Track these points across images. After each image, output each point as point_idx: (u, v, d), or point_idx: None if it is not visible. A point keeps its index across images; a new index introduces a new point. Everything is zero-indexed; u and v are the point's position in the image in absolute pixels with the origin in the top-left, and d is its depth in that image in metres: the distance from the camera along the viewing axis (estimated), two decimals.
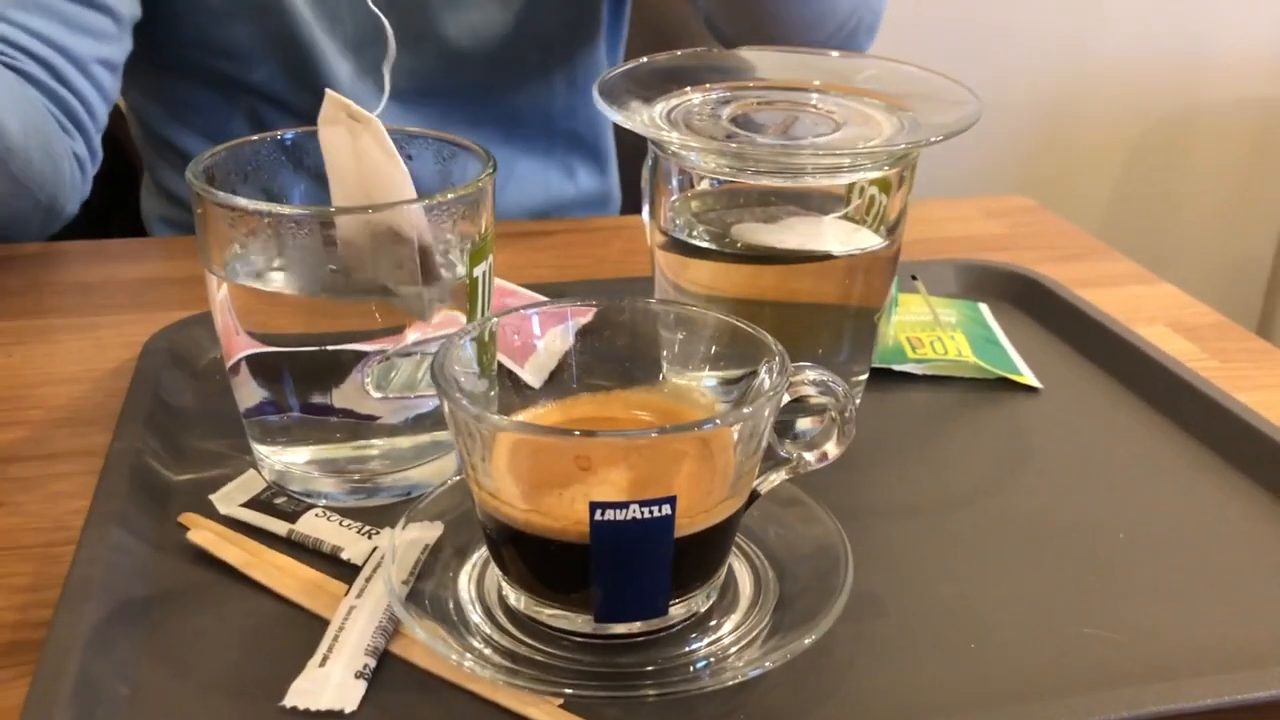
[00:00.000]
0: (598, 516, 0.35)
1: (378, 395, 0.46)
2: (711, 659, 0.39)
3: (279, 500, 0.48)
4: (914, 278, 0.63)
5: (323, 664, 0.39)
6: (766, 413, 0.38)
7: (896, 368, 0.60)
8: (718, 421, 0.38)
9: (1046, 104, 1.74)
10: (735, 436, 0.38)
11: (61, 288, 0.69)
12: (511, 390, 0.45)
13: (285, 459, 0.48)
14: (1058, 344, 0.65)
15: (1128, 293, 0.72)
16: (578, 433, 0.36)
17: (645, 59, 0.55)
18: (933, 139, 0.47)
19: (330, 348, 0.45)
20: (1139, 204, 1.85)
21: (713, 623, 0.41)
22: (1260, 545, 0.48)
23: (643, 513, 0.35)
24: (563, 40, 0.92)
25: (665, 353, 0.44)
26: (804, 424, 0.52)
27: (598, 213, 0.99)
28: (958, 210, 0.85)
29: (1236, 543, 0.48)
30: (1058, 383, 0.60)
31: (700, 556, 0.39)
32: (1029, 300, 0.68)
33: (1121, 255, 0.78)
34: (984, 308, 0.67)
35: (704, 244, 0.51)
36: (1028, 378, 0.60)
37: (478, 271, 0.47)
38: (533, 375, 0.48)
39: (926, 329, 0.63)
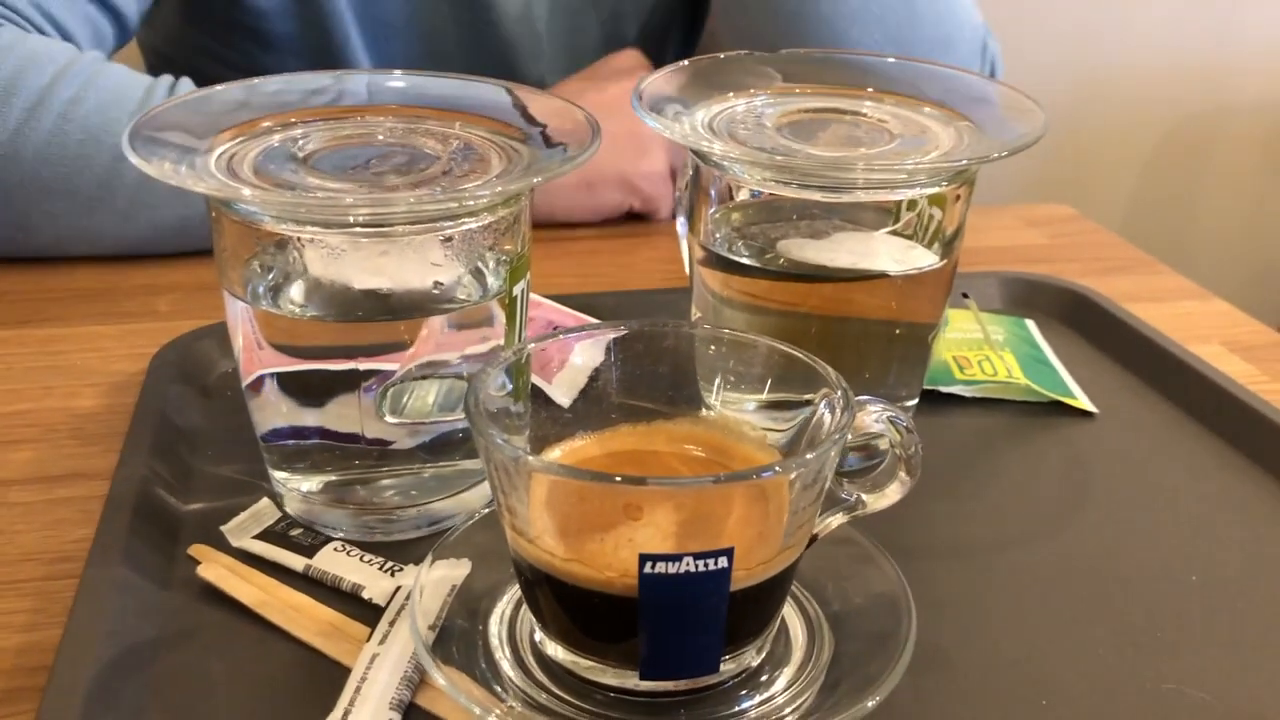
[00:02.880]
0: (648, 569, 0.32)
1: (392, 420, 0.43)
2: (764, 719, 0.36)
3: (295, 532, 0.45)
4: (965, 295, 0.60)
5: (344, 718, 0.36)
6: (831, 456, 0.35)
7: (944, 389, 0.57)
8: (778, 470, 0.35)
9: (1067, 104, 1.70)
10: (797, 483, 0.35)
11: (64, 294, 0.66)
12: (543, 411, 0.42)
13: (305, 486, 0.45)
14: (1110, 364, 0.61)
15: (1179, 309, 0.69)
16: (619, 479, 0.33)
17: (686, 62, 0.52)
18: (996, 155, 0.44)
19: (364, 366, 0.42)
20: (1159, 206, 1.81)
21: (764, 678, 0.38)
22: None
23: (697, 566, 0.32)
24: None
25: (714, 380, 0.41)
26: (853, 455, 0.49)
27: None
28: (996, 219, 0.82)
29: None
30: (1113, 407, 0.57)
31: (755, 610, 0.36)
32: (1078, 317, 0.65)
33: (1169, 269, 0.75)
34: (1031, 324, 0.64)
35: (747, 260, 0.48)
36: (1082, 401, 0.57)
37: (517, 290, 0.43)
38: (562, 393, 0.45)
39: (974, 348, 0.60)
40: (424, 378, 0.43)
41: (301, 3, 0.84)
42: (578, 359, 0.45)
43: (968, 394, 0.57)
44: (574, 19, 0.91)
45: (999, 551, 0.46)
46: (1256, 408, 0.54)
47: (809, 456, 0.34)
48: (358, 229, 0.40)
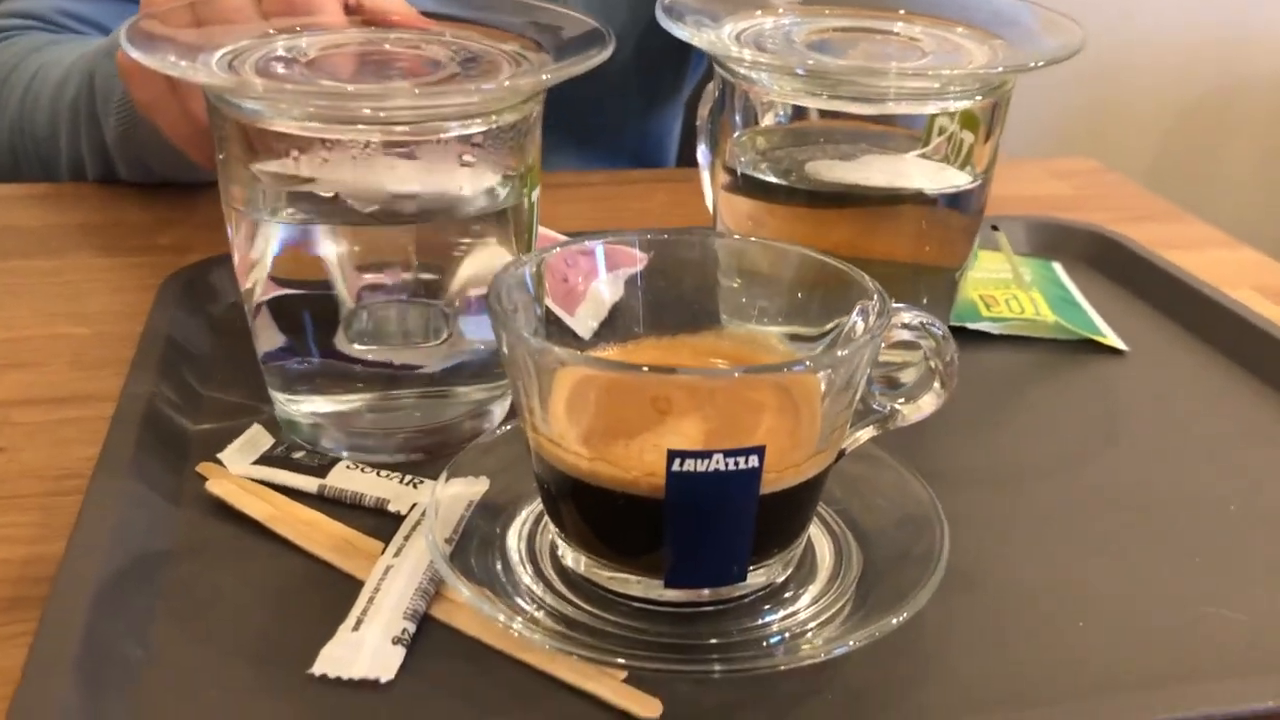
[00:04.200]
0: (675, 467, 0.31)
1: (358, 348, 0.42)
2: (787, 634, 0.35)
3: (298, 455, 0.43)
4: (995, 228, 0.59)
5: (356, 628, 0.35)
6: (865, 358, 0.33)
7: (970, 326, 0.56)
8: (808, 364, 0.33)
9: (1086, 79, 1.68)
10: (824, 385, 0.33)
11: (72, 229, 0.65)
12: (559, 337, 0.40)
13: (310, 408, 0.44)
14: (1140, 305, 0.60)
15: (1209, 256, 0.67)
16: (645, 369, 0.31)
17: None
18: (1033, 64, 0.43)
19: (369, 279, 0.41)
20: (1178, 179, 1.80)
21: (788, 594, 0.37)
22: None
23: (727, 464, 0.31)
24: (656, 66, 0.87)
25: (740, 296, 0.40)
26: (877, 384, 0.47)
27: None
28: (1022, 170, 0.80)
29: None
30: (1144, 345, 0.55)
31: (784, 518, 0.35)
32: (1106, 260, 0.64)
33: (1196, 218, 0.74)
34: (1058, 267, 0.63)
35: (775, 181, 0.47)
36: (1112, 339, 0.56)
37: (532, 198, 0.42)
38: (582, 324, 0.44)
39: (1001, 287, 0.59)
40: (400, 301, 0.42)
41: None
42: (602, 290, 0.44)
43: (995, 331, 0.56)
44: None
45: (1031, 480, 0.45)
46: None
47: (841, 354, 0.32)
48: (364, 126, 0.38)
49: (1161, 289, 0.60)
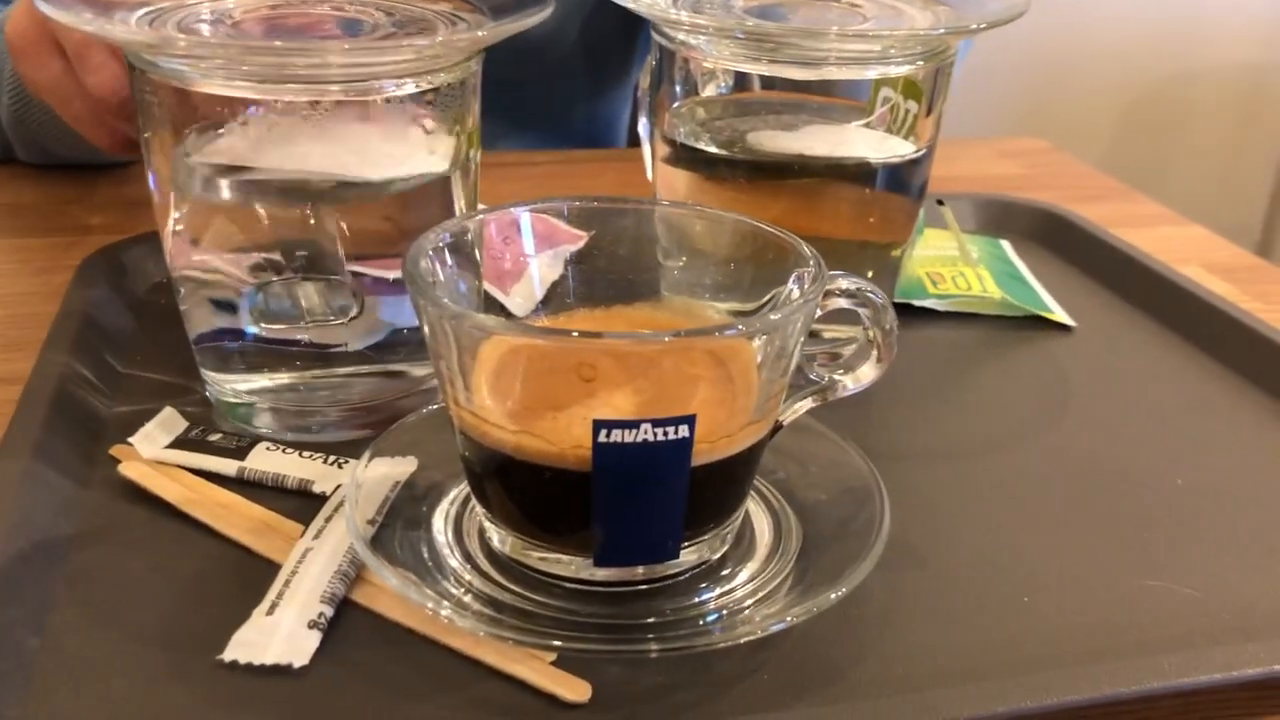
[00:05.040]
0: (602, 438, 0.30)
1: (266, 326, 0.40)
2: (725, 611, 0.34)
3: (214, 437, 0.41)
4: (940, 202, 0.58)
5: (271, 612, 0.33)
6: (799, 323, 0.32)
7: (916, 303, 0.55)
8: (741, 327, 0.32)
9: (1041, 66, 1.69)
10: (760, 351, 0.32)
11: None
12: (496, 309, 0.39)
13: (241, 387, 0.42)
14: (1088, 282, 0.59)
15: (1157, 233, 0.67)
16: (576, 333, 0.30)
17: None
18: (975, 26, 0.42)
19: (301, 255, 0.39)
20: (1133, 166, 1.81)
21: (725, 571, 0.35)
22: None
23: (656, 434, 0.30)
24: (603, 48, 0.85)
25: (670, 263, 0.39)
26: (820, 360, 0.46)
27: None
28: (971, 149, 0.80)
29: None
30: (1091, 321, 0.55)
31: (717, 492, 0.34)
32: (1055, 237, 0.63)
33: (1145, 197, 0.73)
34: (1006, 244, 0.62)
35: (716, 151, 0.45)
36: (1059, 315, 0.55)
37: (470, 158, 0.40)
38: (520, 304, 0.42)
39: (948, 264, 0.58)
40: (307, 279, 0.40)
41: None
42: (538, 268, 0.42)
43: (941, 308, 0.55)
44: None
45: (977, 455, 0.44)
46: (1236, 317, 0.52)
47: (774, 318, 0.31)
48: (295, 85, 0.36)
49: (1109, 265, 0.59)
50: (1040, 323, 0.54)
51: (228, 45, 0.36)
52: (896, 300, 0.54)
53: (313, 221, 0.40)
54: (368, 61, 0.36)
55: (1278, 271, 0.63)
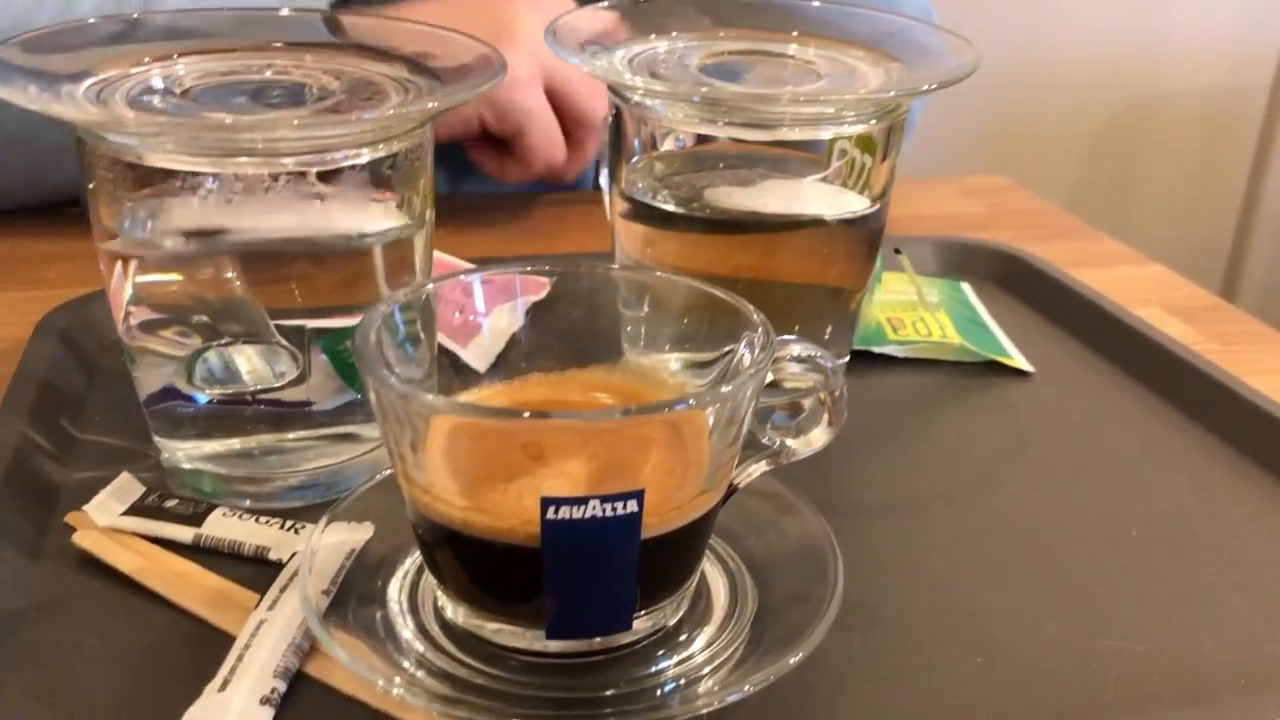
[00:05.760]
0: (550, 515, 0.30)
1: (207, 391, 0.41)
2: (682, 680, 0.34)
3: (171, 504, 0.41)
4: (898, 251, 0.58)
5: (223, 688, 0.33)
6: (748, 393, 0.32)
7: (876, 350, 0.55)
8: (691, 402, 0.32)
9: (1006, 92, 1.70)
10: (712, 420, 0.32)
11: None
12: (451, 373, 0.39)
13: (193, 452, 0.42)
14: (1047, 326, 0.60)
15: (1117, 273, 0.68)
16: (527, 414, 0.30)
17: (605, 1, 0.49)
18: (926, 87, 0.42)
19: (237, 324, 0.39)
20: (1098, 193, 1.83)
21: (683, 638, 0.35)
22: None
23: (604, 510, 0.30)
24: None
25: (628, 327, 0.39)
26: (780, 411, 0.46)
27: None
28: (932, 189, 0.80)
29: (1260, 539, 0.43)
30: (1050, 367, 0.55)
31: (670, 561, 0.34)
32: (1014, 280, 0.64)
33: (1106, 236, 0.74)
34: (966, 287, 0.63)
35: (673, 209, 0.46)
36: (1018, 361, 0.55)
37: (428, 229, 0.41)
38: (477, 358, 0.42)
39: (909, 309, 0.58)
40: (249, 342, 0.40)
41: None
42: (499, 323, 0.42)
43: (901, 354, 0.55)
44: None
45: (932, 508, 0.44)
46: (1195, 364, 0.52)
47: (724, 390, 0.31)
48: (244, 159, 0.36)
49: (1067, 308, 0.60)
50: (999, 368, 0.55)
51: (179, 124, 0.36)
52: (857, 347, 0.54)
53: (238, 285, 0.40)
54: (321, 134, 0.37)
55: (1235, 312, 0.64)
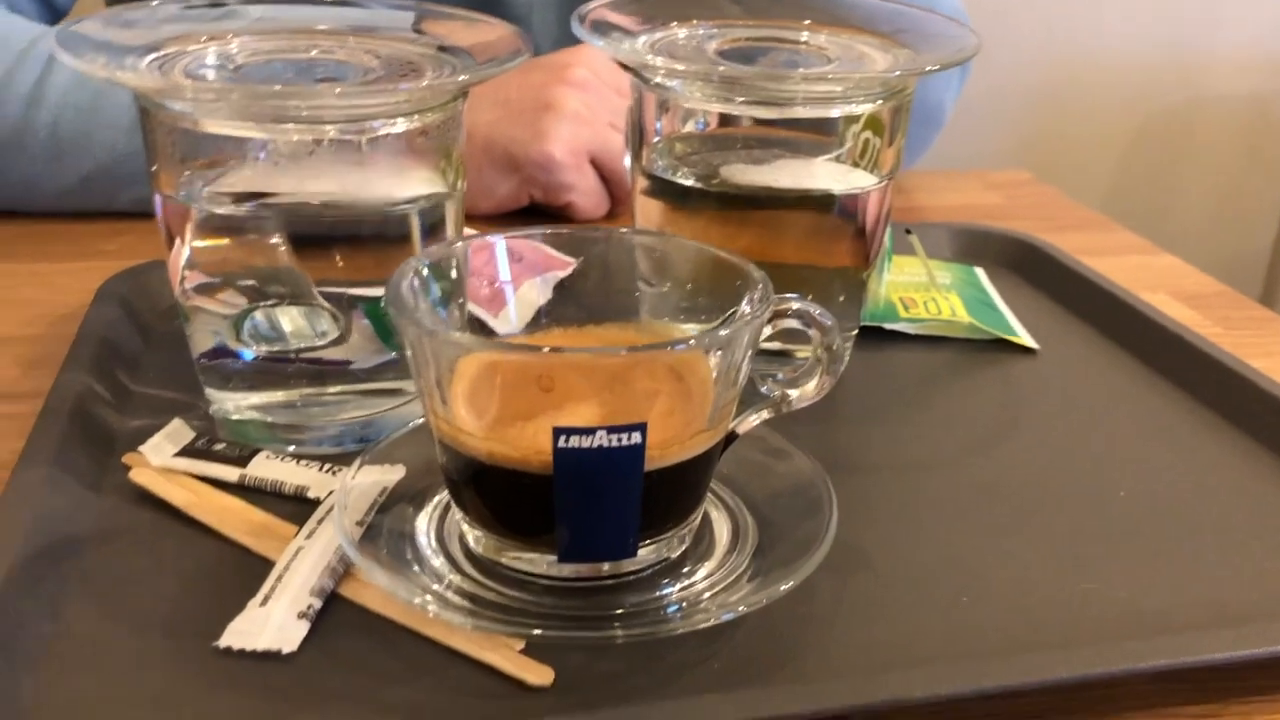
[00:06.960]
0: (561, 444, 0.33)
1: (257, 350, 0.44)
2: (684, 603, 0.37)
3: (218, 447, 0.44)
4: (908, 232, 0.61)
5: (264, 603, 0.36)
6: (746, 338, 0.35)
7: (888, 326, 0.58)
8: (692, 342, 0.35)
9: (1045, 94, 1.72)
10: (712, 364, 0.35)
11: (16, 234, 0.67)
12: (482, 334, 0.42)
13: (241, 404, 0.45)
14: (1056, 309, 0.62)
15: (1128, 262, 0.70)
16: (546, 349, 0.33)
17: None
18: (929, 68, 0.45)
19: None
20: (1137, 197, 1.83)
21: (686, 568, 0.38)
22: (1265, 505, 0.45)
23: (610, 440, 0.33)
24: None
25: (642, 287, 0.42)
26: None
27: None
28: (954, 182, 0.83)
29: (1240, 502, 0.45)
30: (1055, 345, 0.57)
31: (673, 494, 0.37)
32: (1027, 266, 0.66)
33: (1121, 227, 0.76)
34: (980, 272, 0.65)
35: (690, 184, 0.49)
36: (1024, 339, 0.58)
37: (461, 185, 0.44)
38: (504, 326, 0.45)
39: (920, 289, 0.61)
40: (294, 304, 0.43)
41: None
42: (527, 296, 0.45)
43: (911, 331, 0.58)
44: None
45: (930, 470, 0.47)
46: (1193, 343, 0.54)
47: (723, 333, 0.34)
48: (290, 125, 0.40)
49: (1076, 292, 0.62)
50: (1005, 346, 0.57)
51: (231, 89, 0.40)
52: (870, 324, 0.57)
53: (283, 250, 0.43)
54: (361, 104, 0.40)
55: (1241, 299, 0.66)
